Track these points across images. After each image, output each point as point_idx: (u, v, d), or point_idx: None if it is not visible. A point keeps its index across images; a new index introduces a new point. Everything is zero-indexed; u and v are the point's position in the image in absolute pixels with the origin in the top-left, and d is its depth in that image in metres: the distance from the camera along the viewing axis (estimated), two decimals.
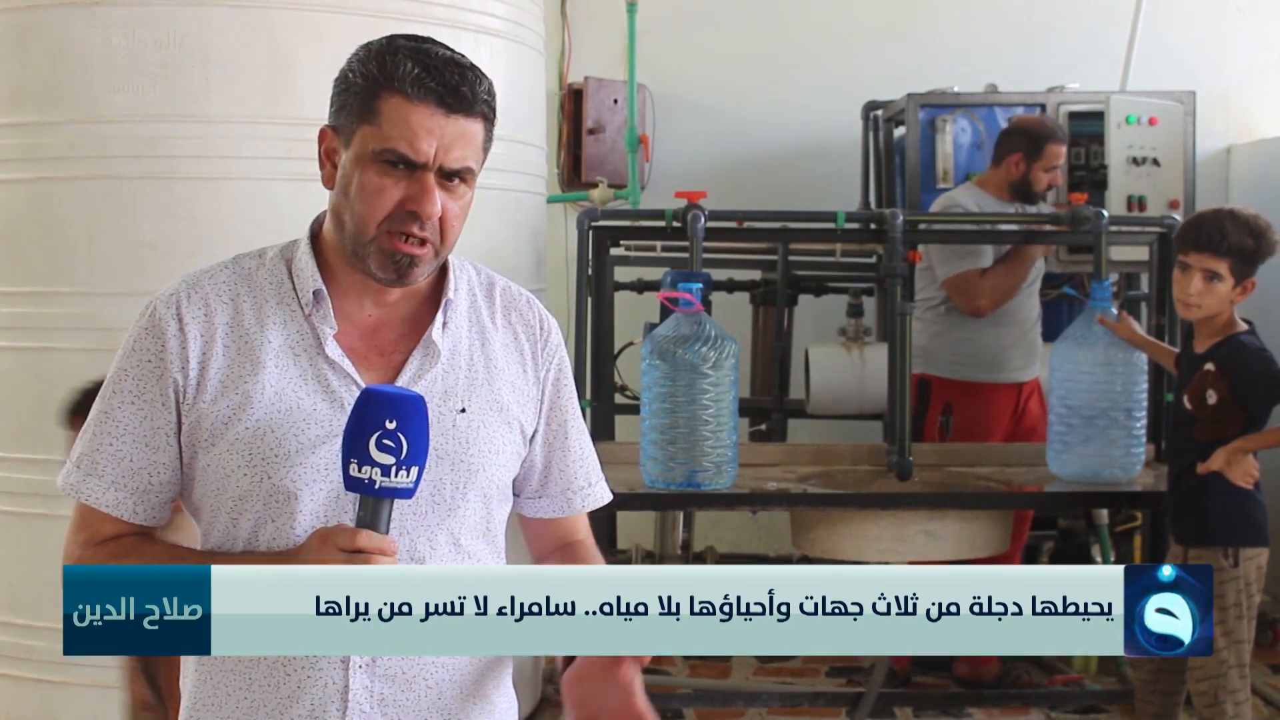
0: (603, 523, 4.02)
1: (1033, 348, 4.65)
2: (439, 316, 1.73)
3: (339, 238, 1.70)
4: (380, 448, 1.54)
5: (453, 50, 1.68)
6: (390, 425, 1.54)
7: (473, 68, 1.67)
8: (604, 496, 1.92)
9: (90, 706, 3.55)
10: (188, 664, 1.74)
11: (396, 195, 1.63)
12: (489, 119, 1.68)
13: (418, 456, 1.56)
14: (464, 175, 1.66)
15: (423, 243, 1.65)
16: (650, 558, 5.26)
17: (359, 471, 1.54)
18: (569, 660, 1.66)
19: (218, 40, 3.44)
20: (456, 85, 1.63)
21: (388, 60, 1.64)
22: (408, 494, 1.57)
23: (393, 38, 1.68)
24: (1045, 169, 4.56)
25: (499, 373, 1.78)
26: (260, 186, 3.45)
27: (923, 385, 4.59)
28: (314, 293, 1.70)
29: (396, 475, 1.55)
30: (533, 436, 1.83)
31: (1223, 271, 3.39)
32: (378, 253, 1.65)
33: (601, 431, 4.23)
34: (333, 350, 1.69)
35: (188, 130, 3.46)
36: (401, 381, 1.70)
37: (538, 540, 1.92)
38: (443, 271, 1.77)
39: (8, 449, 3.59)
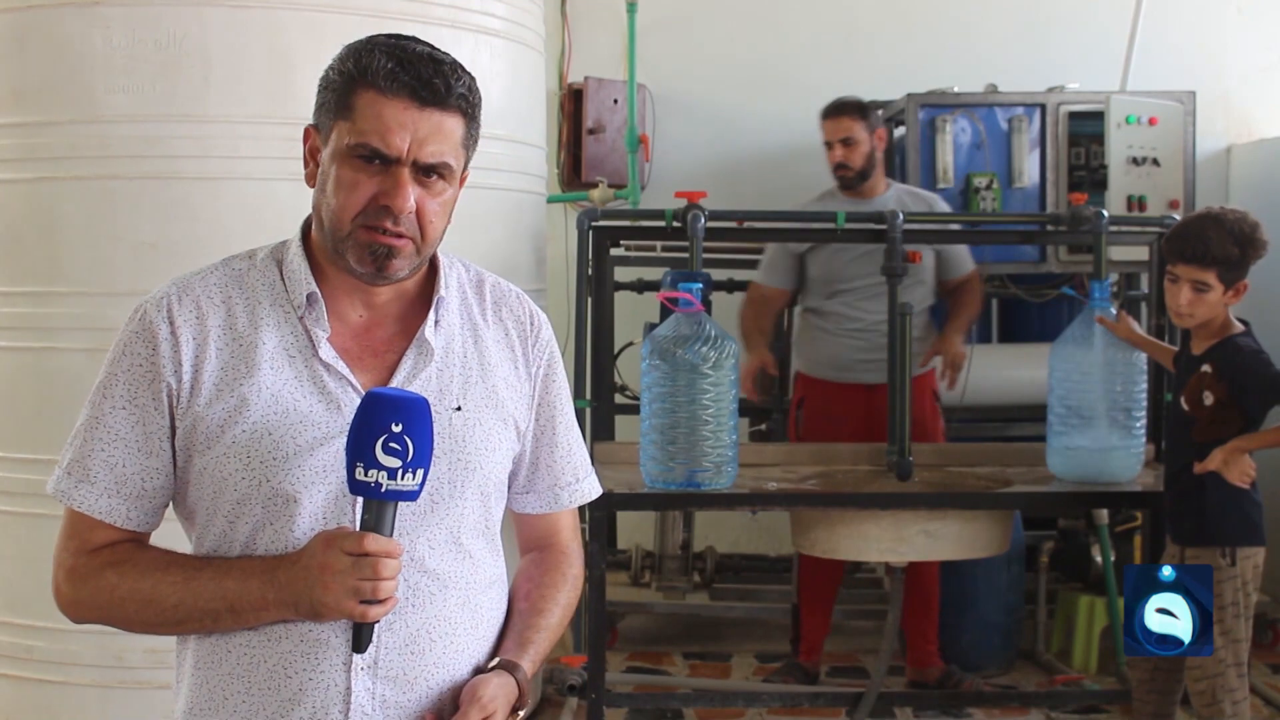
0: (602, 522, 4.01)
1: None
2: (431, 315, 1.73)
3: (321, 235, 1.70)
4: (387, 451, 1.53)
5: (433, 47, 1.67)
6: (397, 429, 1.53)
7: (452, 63, 1.65)
8: (592, 492, 1.91)
9: (90, 706, 3.55)
10: (184, 665, 1.72)
11: (370, 190, 1.62)
12: (468, 114, 1.67)
13: (423, 459, 1.55)
14: (441, 171, 1.65)
15: (399, 235, 1.64)
16: (650, 557, 5.26)
17: (365, 475, 1.53)
18: None
19: (218, 40, 3.44)
20: (430, 78, 1.62)
21: (363, 56, 1.64)
22: (413, 496, 1.57)
23: (373, 37, 1.67)
24: (825, 142, 4.67)
25: (492, 369, 1.77)
26: (260, 186, 3.44)
27: (795, 379, 4.86)
28: (307, 296, 1.69)
29: (403, 478, 1.54)
30: (525, 431, 1.83)
31: (1210, 281, 3.37)
32: (354, 246, 1.64)
33: (601, 431, 4.24)
34: (327, 353, 1.68)
35: (188, 130, 3.46)
36: (396, 381, 1.70)
37: (522, 534, 1.92)
38: (433, 270, 1.77)
39: (8, 449, 3.59)
